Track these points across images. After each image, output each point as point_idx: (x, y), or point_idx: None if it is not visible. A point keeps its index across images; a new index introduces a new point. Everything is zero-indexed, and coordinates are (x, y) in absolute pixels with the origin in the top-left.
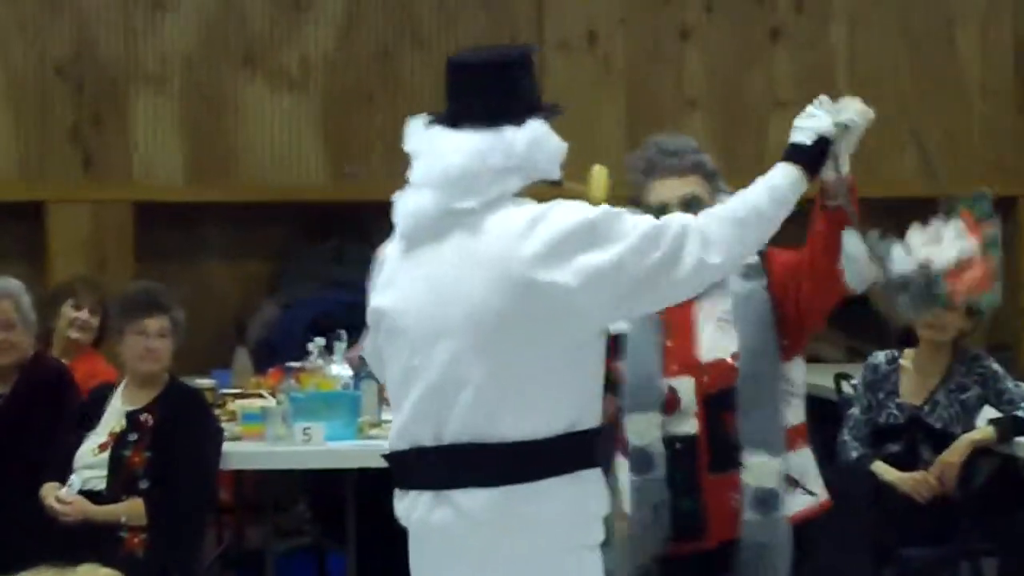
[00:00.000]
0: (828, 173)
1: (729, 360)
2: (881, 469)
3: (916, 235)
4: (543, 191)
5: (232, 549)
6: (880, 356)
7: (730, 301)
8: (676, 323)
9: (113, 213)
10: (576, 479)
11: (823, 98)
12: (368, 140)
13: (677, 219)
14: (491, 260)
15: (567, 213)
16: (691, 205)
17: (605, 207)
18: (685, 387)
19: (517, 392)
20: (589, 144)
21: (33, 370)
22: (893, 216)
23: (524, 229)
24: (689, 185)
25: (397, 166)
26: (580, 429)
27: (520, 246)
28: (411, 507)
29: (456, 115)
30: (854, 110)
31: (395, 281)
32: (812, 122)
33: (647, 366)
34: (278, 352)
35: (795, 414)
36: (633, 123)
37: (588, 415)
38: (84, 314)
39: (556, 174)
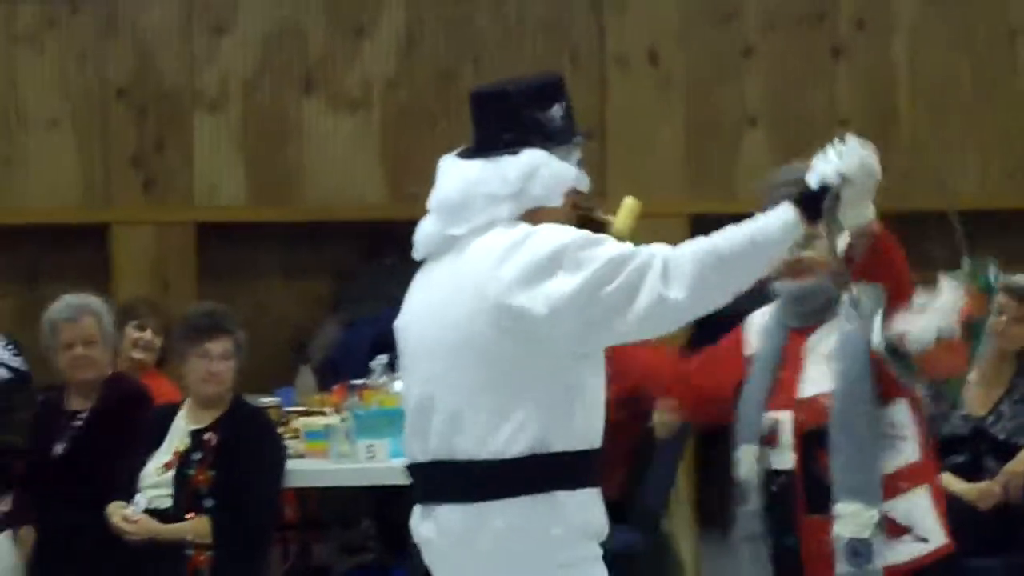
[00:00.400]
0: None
1: (824, 398)
2: (945, 480)
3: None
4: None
5: (297, 566)
6: None
7: (846, 329)
8: (791, 355)
9: (175, 235)
10: (548, 500)
11: (849, 138)
12: (428, 161)
13: (647, 249)
14: (470, 283)
15: (543, 239)
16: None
17: (584, 233)
18: (785, 421)
19: (486, 412)
20: (649, 161)
21: (114, 389)
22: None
23: (503, 253)
24: None
25: None
26: (552, 451)
27: (496, 270)
28: (414, 520)
29: (474, 145)
30: (856, 161)
31: (409, 301)
32: (823, 165)
33: (755, 396)
34: (341, 370)
35: (902, 457)
36: (693, 141)
37: (564, 437)
38: (147, 335)
39: (554, 201)
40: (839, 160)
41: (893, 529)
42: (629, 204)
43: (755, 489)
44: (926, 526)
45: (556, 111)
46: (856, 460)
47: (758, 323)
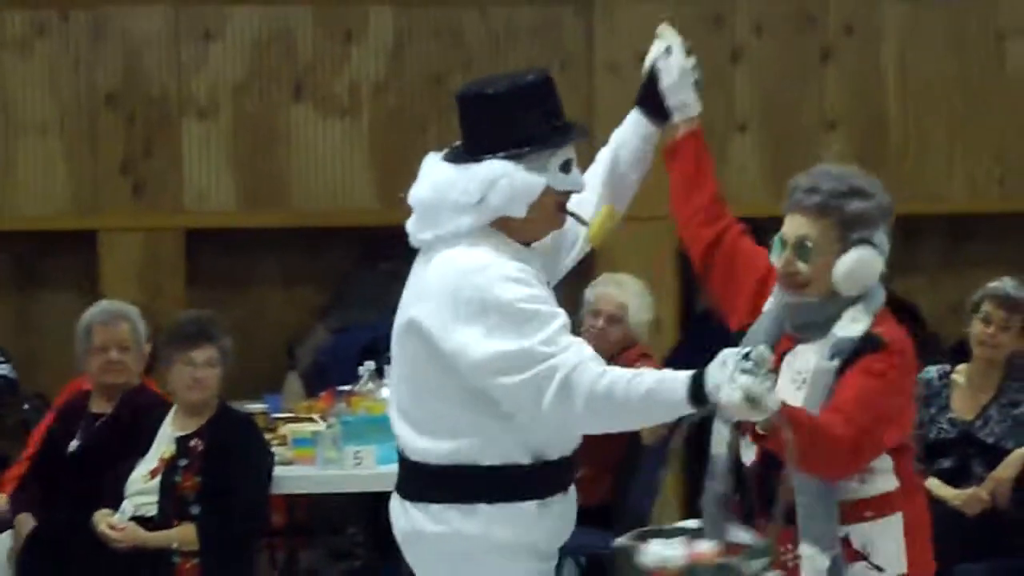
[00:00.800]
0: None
1: None
2: (933, 485)
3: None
4: None
5: (286, 572)
6: (932, 371)
7: (813, 363)
8: (775, 354)
9: (165, 241)
10: (469, 510)
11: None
12: (418, 165)
13: (559, 356)
14: (423, 296)
15: (487, 285)
16: (799, 248)
17: (520, 300)
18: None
19: (411, 418)
20: None
21: (137, 398)
22: (942, 231)
23: (453, 278)
24: (807, 227)
25: None
26: (473, 463)
27: (441, 293)
28: None
29: (460, 146)
30: (737, 397)
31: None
32: (719, 377)
33: None
34: (332, 377)
35: (871, 489)
36: None
37: (485, 451)
38: None
39: (517, 212)
40: (727, 387)
41: (850, 554)
42: (605, 212)
43: (724, 470)
44: (885, 554)
45: (537, 113)
46: (813, 507)
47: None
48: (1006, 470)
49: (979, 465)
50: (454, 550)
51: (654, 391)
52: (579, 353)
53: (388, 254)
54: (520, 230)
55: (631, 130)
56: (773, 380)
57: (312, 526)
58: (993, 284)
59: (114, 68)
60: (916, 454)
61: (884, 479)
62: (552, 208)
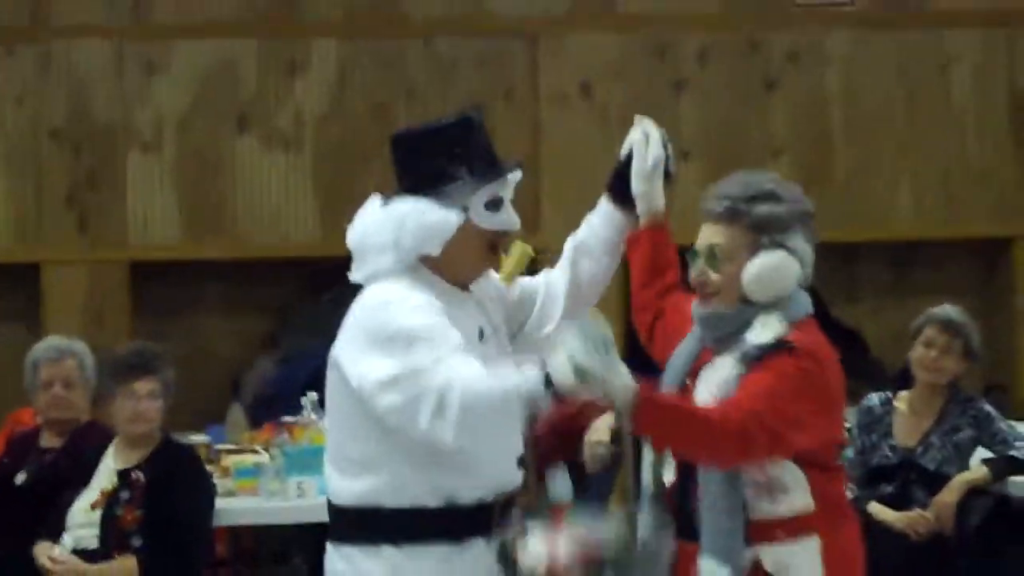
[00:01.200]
0: None
1: None
2: (876, 510)
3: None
4: None
5: None
6: (874, 398)
7: (727, 373)
8: (694, 370)
9: (109, 273)
10: (374, 553)
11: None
12: (362, 196)
13: (431, 373)
14: (343, 332)
15: (388, 316)
16: (708, 256)
17: (406, 325)
18: None
19: (330, 458)
20: (585, 196)
21: (85, 434)
22: (885, 257)
23: (361, 312)
24: (717, 235)
25: None
26: (378, 505)
27: (352, 327)
28: None
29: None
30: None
31: None
32: (560, 359)
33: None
34: (276, 408)
35: (783, 507)
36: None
37: (389, 493)
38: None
39: (432, 250)
40: (557, 357)
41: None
42: (518, 251)
43: (648, 494)
44: None
45: (454, 152)
46: (715, 518)
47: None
48: (950, 494)
49: (920, 491)
50: None
51: (512, 387)
52: (458, 369)
53: (331, 285)
54: (448, 269)
55: (599, 221)
56: (609, 356)
57: (256, 556)
58: (935, 309)
59: (59, 101)
60: (850, 481)
61: (798, 499)
62: (480, 247)
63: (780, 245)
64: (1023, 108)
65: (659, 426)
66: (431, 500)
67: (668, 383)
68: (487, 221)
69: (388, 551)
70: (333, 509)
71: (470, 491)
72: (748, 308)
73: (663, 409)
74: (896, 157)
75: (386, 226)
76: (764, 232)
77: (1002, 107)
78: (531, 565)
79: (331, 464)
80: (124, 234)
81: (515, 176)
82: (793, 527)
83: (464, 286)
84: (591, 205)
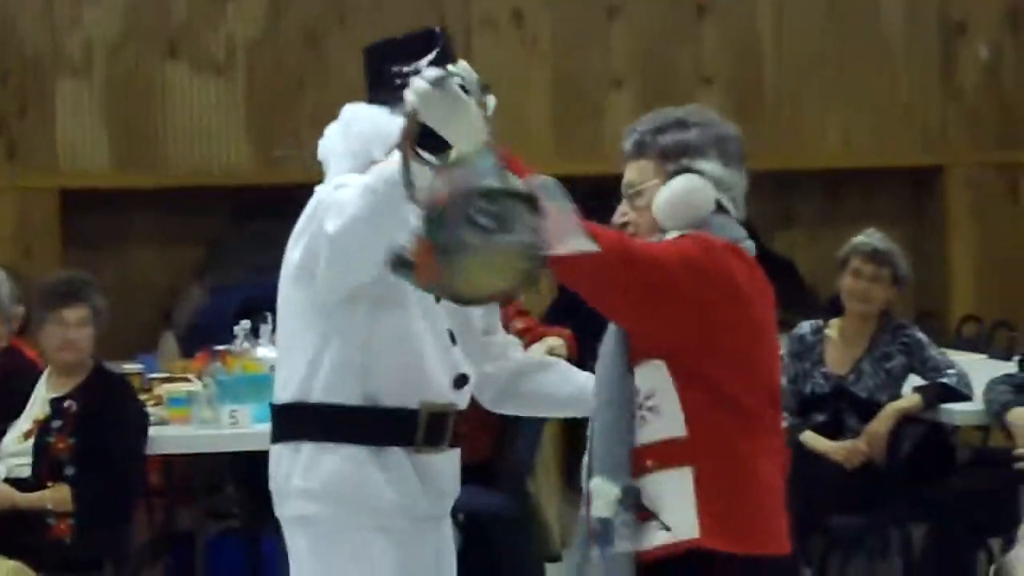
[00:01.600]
0: None
1: None
2: (809, 438)
3: None
4: None
5: (163, 532)
6: (805, 326)
7: None
8: None
9: (39, 201)
10: (294, 449)
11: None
12: (296, 124)
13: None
14: None
15: (320, 196)
16: (627, 196)
17: (338, 188)
18: None
19: (280, 355)
20: (515, 123)
21: (4, 361)
22: (818, 187)
23: (310, 206)
24: (630, 172)
25: None
26: (308, 401)
27: (301, 219)
28: None
29: None
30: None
31: None
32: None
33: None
34: (207, 337)
35: (650, 431)
36: (559, 102)
37: (319, 389)
38: None
39: (377, 154)
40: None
41: (642, 512)
42: None
43: None
44: (673, 513)
45: (423, 64)
46: (604, 432)
47: None
48: (881, 423)
49: (852, 419)
50: (286, 490)
51: (390, 170)
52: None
53: (263, 213)
54: None
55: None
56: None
57: (189, 486)
58: (859, 239)
59: None
60: (786, 406)
61: (668, 423)
62: None
63: (688, 170)
64: (953, 38)
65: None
66: (353, 397)
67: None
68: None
69: (306, 447)
70: (273, 411)
71: (394, 396)
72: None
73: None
74: (827, 86)
75: (339, 133)
76: (671, 160)
77: (932, 37)
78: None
79: (278, 370)
80: (54, 162)
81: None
82: (662, 455)
83: None
84: (521, 132)
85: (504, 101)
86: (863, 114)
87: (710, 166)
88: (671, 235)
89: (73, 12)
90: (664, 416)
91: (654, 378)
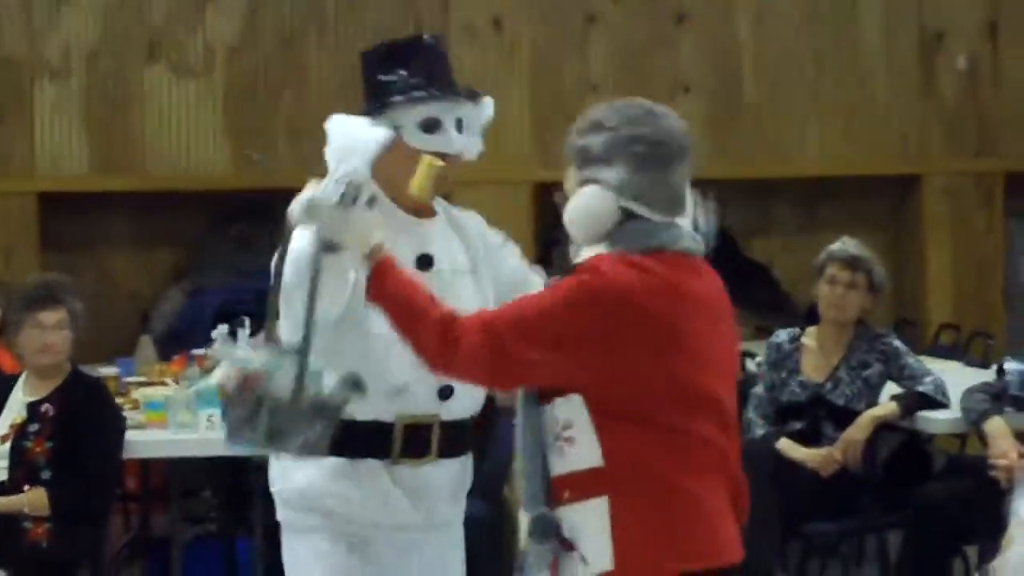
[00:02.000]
0: None
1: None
2: (786, 446)
3: None
4: None
5: (139, 537)
6: (782, 335)
7: None
8: None
9: (17, 205)
10: (275, 460)
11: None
12: (273, 127)
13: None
14: None
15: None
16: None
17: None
18: None
19: None
20: (494, 129)
21: None
22: (796, 195)
23: None
24: (565, 180)
25: (301, 153)
26: None
27: None
28: None
29: None
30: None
31: None
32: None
33: None
34: (185, 340)
35: (567, 462)
36: (538, 108)
37: None
38: None
39: (357, 167)
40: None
41: (565, 543)
42: (425, 164)
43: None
44: (590, 545)
45: (401, 73)
46: (522, 462)
47: None
48: (858, 431)
49: (830, 427)
50: (274, 495)
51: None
52: None
53: (241, 218)
54: (387, 189)
55: None
56: (355, 207)
57: (166, 490)
58: (835, 246)
59: None
60: (763, 413)
61: (584, 454)
62: (414, 168)
63: (593, 179)
64: (931, 47)
65: (384, 299)
66: None
67: None
68: (420, 142)
69: (285, 457)
70: None
71: (366, 410)
72: (580, 249)
73: (394, 284)
74: (805, 94)
75: (328, 145)
76: (583, 168)
77: (910, 45)
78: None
79: None
80: (32, 166)
81: (462, 102)
82: (578, 485)
83: (416, 211)
84: (500, 139)
85: None
86: (841, 122)
87: (613, 173)
88: (584, 252)
89: (52, 15)
90: (580, 446)
91: (570, 409)
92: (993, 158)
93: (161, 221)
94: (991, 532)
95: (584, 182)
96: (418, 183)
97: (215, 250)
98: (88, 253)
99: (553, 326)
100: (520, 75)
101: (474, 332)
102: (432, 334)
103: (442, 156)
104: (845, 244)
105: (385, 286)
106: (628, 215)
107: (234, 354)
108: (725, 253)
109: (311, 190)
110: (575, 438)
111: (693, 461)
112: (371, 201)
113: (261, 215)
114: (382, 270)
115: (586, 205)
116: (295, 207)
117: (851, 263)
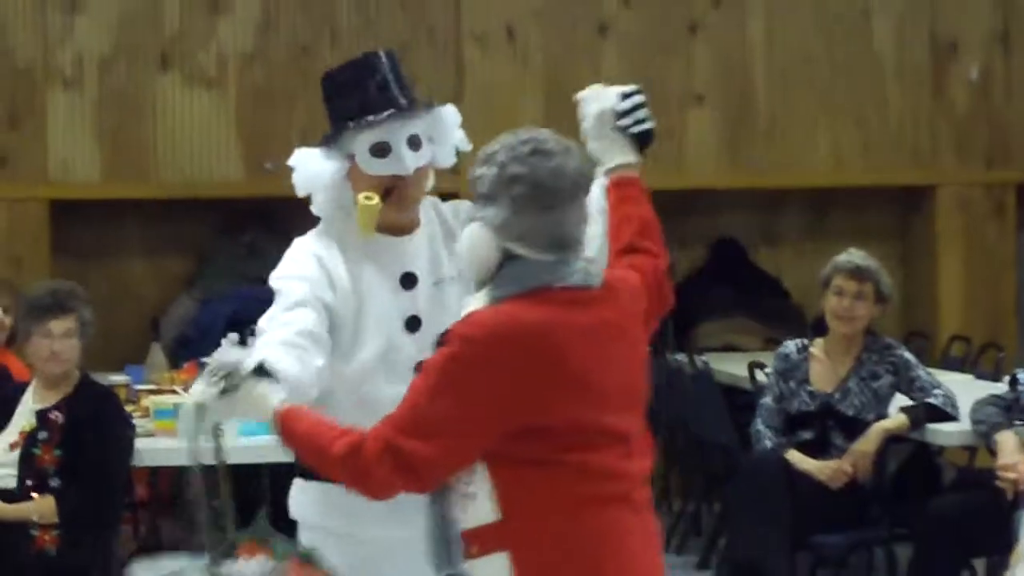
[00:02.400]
0: None
1: None
2: (796, 458)
3: None
4: None
5: (147, 544)
6: (791, 345)
7: None
8: None
9: (29, 212)
10: (299, 483)
11: None
12: (285, 137)
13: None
14: None
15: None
16: None
17: (278, 279)
18: None
19: None
20: None
21: None
22: (807, 204)
23: None
24: None
25: None
26: None
27: None
28: None
29: None
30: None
31: None
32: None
33: None
34: (196, 348)
35: (471, 516)
36: (551, 118)
37: None
38: None
39: (319, 198)
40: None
41: None
42: (360, 204)
43: None
44: None
45: (353, 97)
46: (428, 524)
47: None
48: (867, 443)
49: (839, 437)
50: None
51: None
52: (265, 340)
53: (252, 225)
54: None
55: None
56: (236, 389)
57: (174, 498)
58: (841, 257)
59: None
60: (772, 424)
61: (482, 508)
62: (373, 189)
63: (479, 217)
64: (943, 57)
65: (295, 447)
66: None
67: None
68: (372, 167)
69: (298, 481)
70: None
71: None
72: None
73: (299, 435)
74: (817, 104)
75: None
76: (476, 199)
77: (922, 55)
78: None
79: None
80: (44, 173)
81: (414, 117)
82: (483, 539)
83: (399, 228)
84: None
85: (496, 116)
86: (853, 132)
87: (495, 213)
88: (470, 301)
89: (65, 25)
90: (478, 501)
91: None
92: (1005, 169)
93: (172, 229)
94: (1000, 546)
95: (473, 219)
96: (361, 222)
97: (226, 258)
98: (100, 260)
99: (447, 413)
100: (533, 84)
101: (377, 461)
102: (344, 475)
103: (399, 178)
104: (851, 255)
105: (293, 439)
106: (509, 255)
107: (220, 359)
108: (734, 263)
109: (195, 388)
110: (474, 493)
111: (596, 494)
112: (259, 371)
113: (272, 223)
114: (286, 426)
115: (470, 246)
116: (183, 417)
117: (857, 274)
